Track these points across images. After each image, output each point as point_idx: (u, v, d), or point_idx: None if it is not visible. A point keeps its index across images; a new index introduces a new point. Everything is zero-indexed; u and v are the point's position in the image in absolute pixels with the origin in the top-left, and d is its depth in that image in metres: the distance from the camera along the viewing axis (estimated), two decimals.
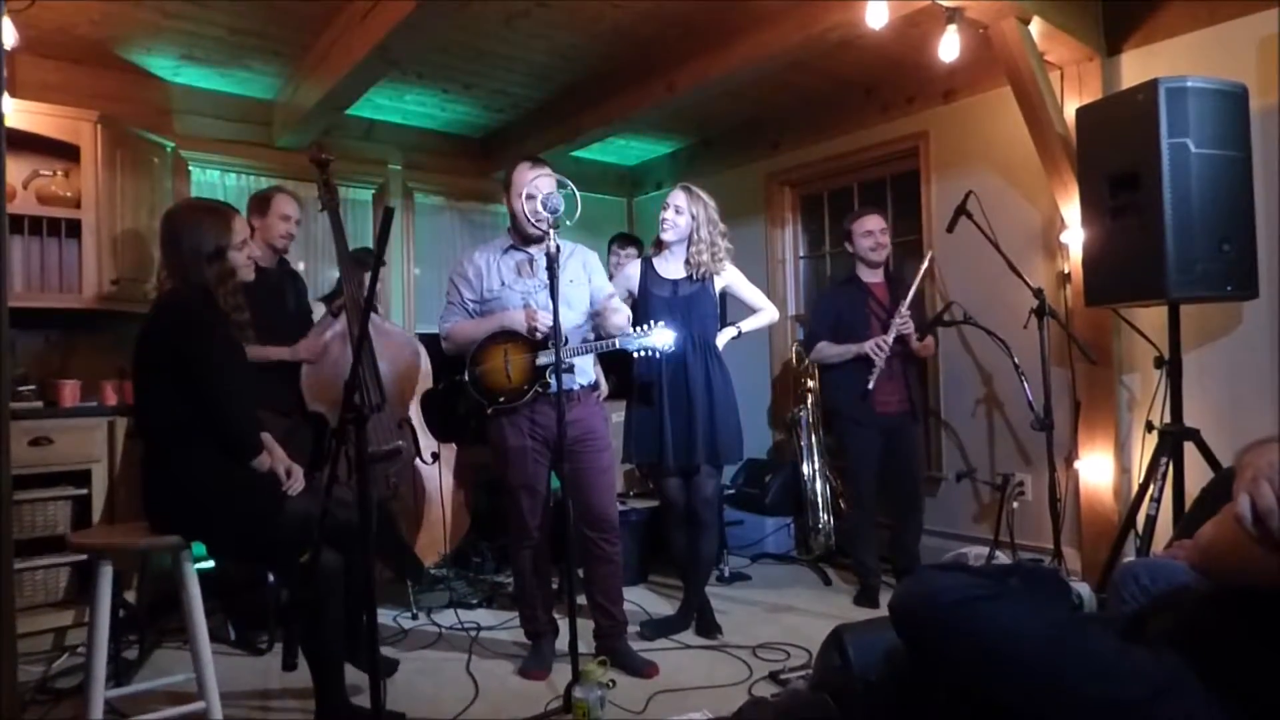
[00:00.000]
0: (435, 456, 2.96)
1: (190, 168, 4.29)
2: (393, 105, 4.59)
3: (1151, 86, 2.67)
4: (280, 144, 4.43)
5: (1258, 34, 3.03)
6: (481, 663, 2.85)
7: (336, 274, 3.29)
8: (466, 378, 2.71)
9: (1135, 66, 3.36)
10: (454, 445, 3.11)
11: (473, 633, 3.14)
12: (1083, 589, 1.46)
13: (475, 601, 3.50)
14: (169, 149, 4.06)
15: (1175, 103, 2.66)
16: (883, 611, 3.31)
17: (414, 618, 3.28)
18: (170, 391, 2.17)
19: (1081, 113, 3.02)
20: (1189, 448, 2.80)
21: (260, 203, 3.25)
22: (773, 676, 2.63)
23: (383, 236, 1.69)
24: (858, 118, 4.44)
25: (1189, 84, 2.68)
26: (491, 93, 4.43)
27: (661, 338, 2.63)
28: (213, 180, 4.38)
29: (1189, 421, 2.86)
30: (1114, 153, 2.83)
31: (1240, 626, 0.94)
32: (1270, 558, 0.84)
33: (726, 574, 3.93)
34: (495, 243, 2.89)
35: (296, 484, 2.33)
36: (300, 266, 3.65)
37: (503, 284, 2.77)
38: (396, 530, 2.80)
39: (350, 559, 2.23)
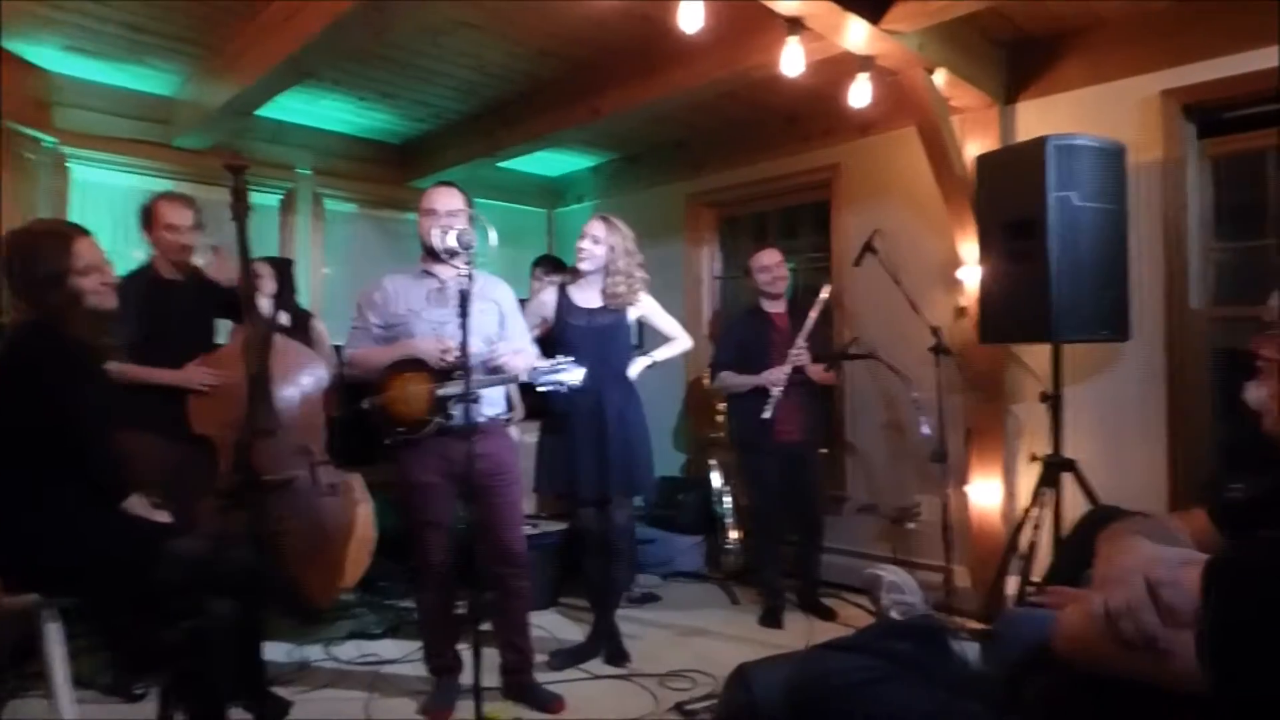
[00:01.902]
0: (334, 488, 2.85)
1: (69, 165, 3.99)
2: (304, 108, 4.43)
3: (1041, 143, 2.84)
4: (178, 144, 4.21)
5: (1139, 94, 3.26)
6: (383, 701, 2.78)
7: None
8: (367, 406, 2.64)
9: (1030, 116, 3.57)
10: (359, 476, 3.02)
11: (375, 667, 3.06)
12: (969, 649, 1.55)
13: (379, 631, 3.42)
14: (48, 144, 3.80)
15: (1063, 158, 2.83)
16: (787, 633, 3.43)
17: (301, 666, 3.07)
18: (23, 430, 2.01)
19: (980, 160, 3.18)
20: (1067, 477, 3.00)
21: (144, 215, 2.99)
22: (678, 708, 2.67)
23: (283, 290, 1.62)
24: (778, 145, 4.55)
25: (1075, 142, 2.87)
26: (412, 103, 4.35)
27: (570, 375, 2.64)
28: (98, 180, 4.11)
29: (1069, 452, 3.06)
30: (1008, 200, 3.00)
31: (1099, 713, 1.02)
32: (1123, 655, 0.91)
33: (637, 594, 3.97)
34: (409, 268, 2.83)
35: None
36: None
37: (410, 310, 2.71)
38: (283, 569, 2.67)
39: (240, 604, 2.13)
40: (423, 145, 4.96)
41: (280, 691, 2.73)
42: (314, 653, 3.20)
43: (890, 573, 3.33)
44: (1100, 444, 3.36)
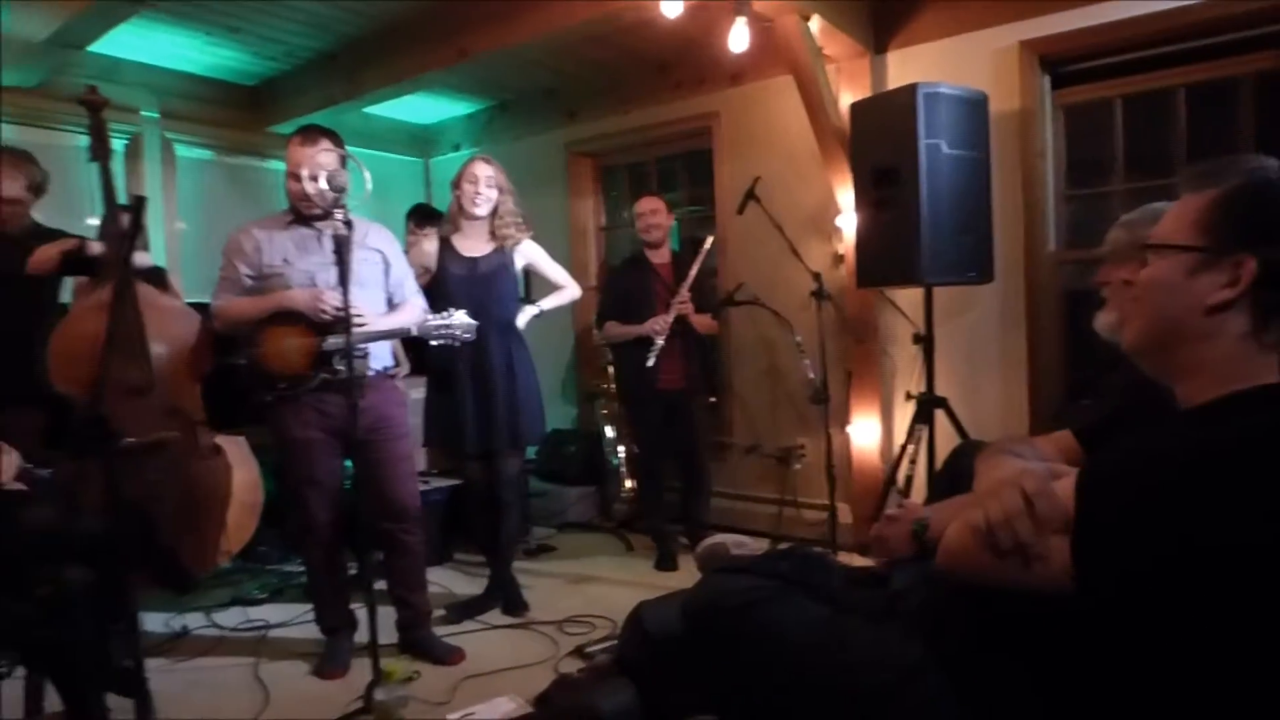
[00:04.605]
0: (216, 450, 2.67)
1: None
2: (143, 44, 4.02)
3: (911, 90, 2.94)
4: None
5: (997, 44, 3.42)
6: (271, 665, 2.67)
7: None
8: (244, 360, 2.48)
9: (898, 66, 3.68)
10: (242, 439, 2.82)
11: (260, 632, 2.94)
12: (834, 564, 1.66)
13: (262, 596, 3.27)
14: None
15: (931, 106, 2.94)
16: (682, 574, 3.52)
17: (180, 634, 2.94)
18: None
19: (854, 108, 3.27)
20: (939, 413, 3.20)
21: None
22: (578, 651, 2.69)
23: (133, 230, 1.48)
24: (652, 93, 4.51)
25: (941, 90, 2.98)
26: (262, 39, 4.02)
27: (461, 326, 2.56)
28: None
29: (940, 390, 3.25)
30: (880, 148, 3.09)
31: (972, 621, 1.10)
32: (999, 565, 0.98)
33: (533, 546, 3.97)
34: (277, 215, 2.64)
35: (6, 472, 2.01)
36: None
37: (285, 260, 2.55)
38: (157, 538, 2.49)
39: (102, 574, 1.97)
40: (279, 87, 4.61)
41: (159, 660, 2.61)
42: (195, 620, 3.05)
43: (736, 537, 3.39)
44: (968, 381, 3.57)
